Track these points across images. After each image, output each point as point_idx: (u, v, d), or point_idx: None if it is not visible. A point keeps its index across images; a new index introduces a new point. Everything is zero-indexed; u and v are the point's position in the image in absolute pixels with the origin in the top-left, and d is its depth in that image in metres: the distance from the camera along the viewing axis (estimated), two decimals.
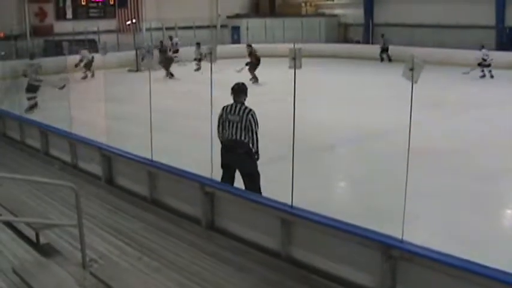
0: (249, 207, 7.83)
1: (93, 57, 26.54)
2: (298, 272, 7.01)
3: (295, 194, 7.21)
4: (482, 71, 26.06)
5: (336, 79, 24.76)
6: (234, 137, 8.92)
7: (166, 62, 27.12)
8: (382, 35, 34.06)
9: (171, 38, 33.33)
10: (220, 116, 9.11)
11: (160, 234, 8.23)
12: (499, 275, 5.36)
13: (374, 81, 23.51)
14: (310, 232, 7.09)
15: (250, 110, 9.02)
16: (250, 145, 8.97)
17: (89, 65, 26.76)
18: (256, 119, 8.96)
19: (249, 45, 26.14)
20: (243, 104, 9.12)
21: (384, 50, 33.88)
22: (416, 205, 8.29)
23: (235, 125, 8.92)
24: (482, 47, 26.48)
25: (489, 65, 25.85)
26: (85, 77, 26.62)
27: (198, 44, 30.63)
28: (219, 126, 9.17)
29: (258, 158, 9.16)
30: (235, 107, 9.04)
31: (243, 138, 8.91)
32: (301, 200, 7.26)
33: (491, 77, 25.83)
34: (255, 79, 24.00)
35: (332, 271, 6.77)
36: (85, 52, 27.15)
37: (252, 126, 8.91)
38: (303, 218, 7.06)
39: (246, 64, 24.98)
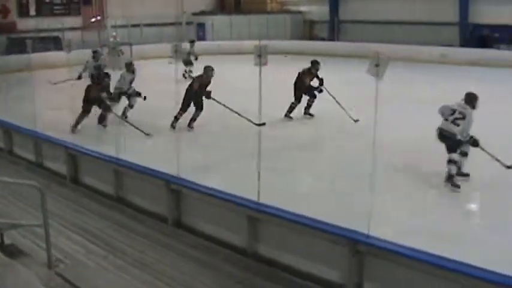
0: (215, 205, 7.85)
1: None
2: (265, 268, 7.06)
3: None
4: None
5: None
6: None
7: None
8: None
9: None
10: None
11: (127, 233, 8.21)
12: (465, 268, 5.48)
13: (339, 78, 23.49)
14: (276, 228, 7.13)
15: None
16: None
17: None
18: None
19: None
20: None
21: None
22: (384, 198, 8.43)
23: None
24: None
25: None
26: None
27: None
28: None
29: None
30: None
31: None
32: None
33: None
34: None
35: (298, 267, 6.84)
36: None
37: None
38: (269, 215, 7.10)
39: None
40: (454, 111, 10.28)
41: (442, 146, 10.21)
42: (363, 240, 6.17)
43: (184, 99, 14.53)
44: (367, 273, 6.21)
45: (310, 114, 16.27)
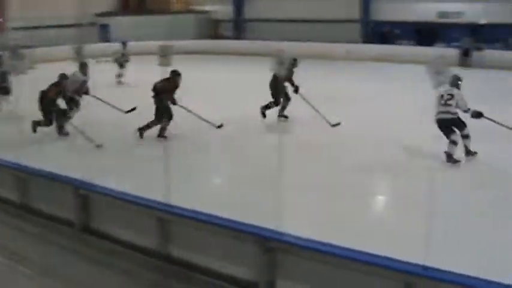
0: (124, 208, 7.74)
1: None
2: (178, 270, 7.01)
3: None
4: None
5: (204, 76, 24.61)
6: None
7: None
8: None
9: None
10: None
11: (33, 241, 8.02)
12: (378, 260, 5.57)
13: (244, 76, 23.50)
14: (188, 229, 7.10)
15: None
16: None
17: None
18: None
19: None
20: None
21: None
22: (294, 196, 8.50)
23: None
24: None
25: None
26: None
27: None
28: None
29: None
30: None
31: None
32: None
33: None
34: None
35: (211, 267, 6.80)
36: None
37: None
38: (178, 216, 7.06)
39: None
40: (442, 96, 10.88)
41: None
42: (274, 237, 6.20)
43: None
44: (280, 271, 6.24)
45: (285, 117, 15.25)
